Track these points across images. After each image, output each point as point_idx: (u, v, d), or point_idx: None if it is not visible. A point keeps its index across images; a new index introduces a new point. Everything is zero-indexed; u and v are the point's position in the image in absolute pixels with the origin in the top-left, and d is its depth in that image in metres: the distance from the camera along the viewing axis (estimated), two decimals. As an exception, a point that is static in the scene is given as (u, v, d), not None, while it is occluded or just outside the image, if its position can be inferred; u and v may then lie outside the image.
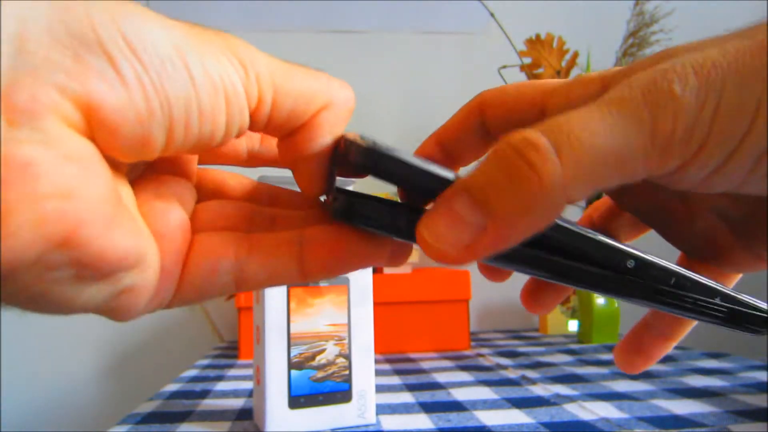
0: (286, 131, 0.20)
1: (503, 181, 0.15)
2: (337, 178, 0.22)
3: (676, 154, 0.16)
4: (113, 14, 0.15)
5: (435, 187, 0.17)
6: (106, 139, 0.15)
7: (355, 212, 0.19)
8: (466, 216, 0.16)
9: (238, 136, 0.18)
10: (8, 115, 0.13)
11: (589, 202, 0.71)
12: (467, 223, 0.16)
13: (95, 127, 0.15)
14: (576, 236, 0.18)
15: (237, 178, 0.24)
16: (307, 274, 0.19)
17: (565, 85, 0.22)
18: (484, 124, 0.24)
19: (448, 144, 0.25)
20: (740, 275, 0.25)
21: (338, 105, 0.21)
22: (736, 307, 0.20)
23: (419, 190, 0.18)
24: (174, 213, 0.18)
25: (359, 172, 0.21)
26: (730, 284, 0.24)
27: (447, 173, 0.17)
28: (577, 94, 0.21)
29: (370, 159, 0.18)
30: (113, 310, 0.17)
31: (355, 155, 0.18)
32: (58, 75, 0.14)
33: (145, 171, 0.20)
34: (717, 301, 0.19)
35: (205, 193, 0.22)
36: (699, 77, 0.16)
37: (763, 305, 0.20)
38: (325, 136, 0.21)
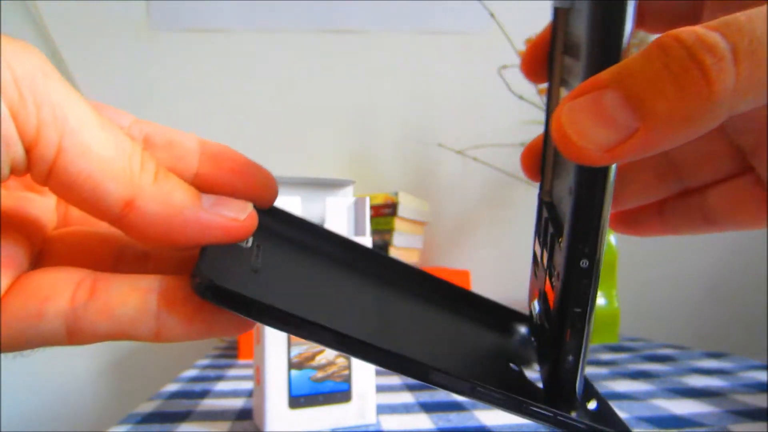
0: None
1: (666, 84, 0.13)
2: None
3: None
4: None
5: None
6: None
7: (219, 300, 0.15)
8: (616, 115, 0.14)
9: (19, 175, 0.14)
10: None
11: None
12: (616, 122, 0.14)
13: None
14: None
15: None
16: (161, 336, 0.16)
17: None
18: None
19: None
20: None
21: (148, 207, 0.15)
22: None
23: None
24: None
25: None
26: None
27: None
28: None
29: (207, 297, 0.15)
30: None
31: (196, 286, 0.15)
32: None
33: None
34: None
35: (76, 217, 0.19)
36: None
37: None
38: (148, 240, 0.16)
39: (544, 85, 0.79)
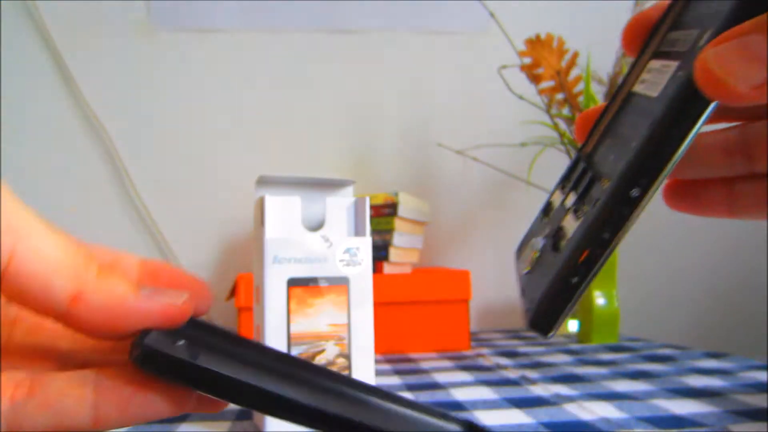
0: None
1: None
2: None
3: None
4: None
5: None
6: None
7: (158, 366, 0.17)
8: (764, 55, 0.15)
9: None
10: None
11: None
12: (764, 62, 0.15)
13: None
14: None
15: None
16: (100, 423, 0.17)
17: None
18: None
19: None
20: None
21: (93, 298, 0.16)
22: None
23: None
24: None
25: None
26: None
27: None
28: None
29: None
30: None
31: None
32: None
33: None
34: None
35: (27, 318, 0.20)
36: None
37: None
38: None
39: (544, 85, 0.79)
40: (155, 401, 0.17)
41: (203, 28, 1.00)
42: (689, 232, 1.07)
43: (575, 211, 0.20)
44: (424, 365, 0.64)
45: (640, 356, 0.68)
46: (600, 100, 0.82)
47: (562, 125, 0.82)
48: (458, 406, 0.46)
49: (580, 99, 0.78)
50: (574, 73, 0.80)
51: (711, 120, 0.19)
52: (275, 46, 1.02)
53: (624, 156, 0.18)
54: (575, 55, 0.77)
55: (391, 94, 1.04)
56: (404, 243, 0.81)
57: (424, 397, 0.49)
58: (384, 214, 0.80)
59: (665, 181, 0.20)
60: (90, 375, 0.17)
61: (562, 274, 0.19)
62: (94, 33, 0.98)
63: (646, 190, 0.18)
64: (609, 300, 0.78)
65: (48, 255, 0.16)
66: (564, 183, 0.23)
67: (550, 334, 0.20)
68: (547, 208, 0.24)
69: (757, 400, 0.46)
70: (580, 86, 0.78)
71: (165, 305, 0.17)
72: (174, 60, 1.00)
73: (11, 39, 0.96)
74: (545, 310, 0.19)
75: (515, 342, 0.82)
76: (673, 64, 0.18)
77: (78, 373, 0.17)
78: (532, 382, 0.55)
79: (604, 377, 0.56)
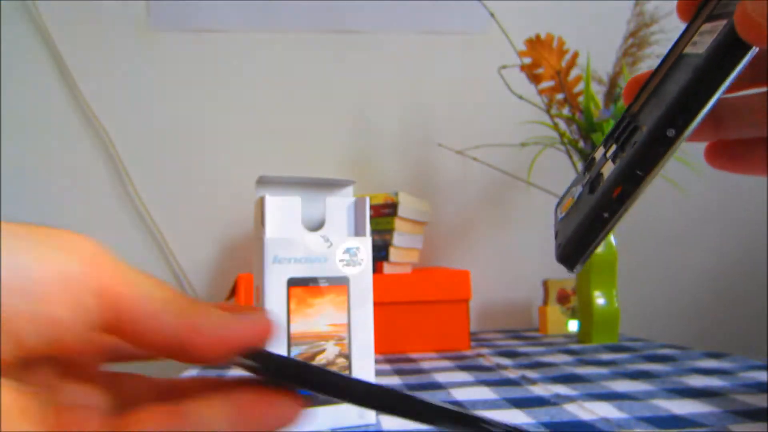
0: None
1: None
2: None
3: None
4: None
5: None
6: None
7: (281, 372, 0.19)
8: None
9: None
10: None
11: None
12: None
13: None
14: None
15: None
16: None
17: None
18: None
19: None
20: None
21: (208, 330, 0.19)
22: None
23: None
24: None
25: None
26: None
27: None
28: None
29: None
30: None
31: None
32: None
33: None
34: None
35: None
36: None
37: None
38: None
39: (544, 85, 0.79)
40: (283, 406, 0.19)
41: (203, 28, 1.00)
42: (689, 233, 1.07)
43: (614, 159, 0.22)
44: (424, 365, 0.64)
45: (640, 356, 0.68)
46: (600, 100, 0.82)
47: (562, 125, 0.82)
48: (458, 405, 0.46)
49: (580, 99, 0.78)
50: (574, 73, 0.80)
51: (753, 84, 0.20)
52: (275, 46, 1.02)
53: (664, 101, 0.20)
54: (575, 55, 0.77)
55: (391, 94, 1.04)
56: (404, 243, 0.81)
57: (423, 397, 0.49)
58: (384, 214, 0.80)
59: (707, 139, 0.21)
60: (227, 396, 0.19)
61: (595, 209, 0.21)
62: (94, 33, 0.98)
63: (681, 130, 0.19)
64: (609, 300, 0.78)
65: (158, 296, 0.18)
66: (607, 140, 0.24)
67: (576, 267, 0.21)
68: (589, 163, 0.25)
69: (757, 400, 0.46)
70: (580, 86, 0.78)
71: (256, 322, 0.20)
72: (174, 60, 1.00)
73: (11, 39, 0.96)
74: (575, 244, 0.21)
75: (515, 342, 0.82)
76: (722, 24, 0.19)
77: (215, 397, 0.19)
78: (532, 382, 0.55)
79: (604, 377, 0.56)
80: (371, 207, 0.80)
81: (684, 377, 0.56)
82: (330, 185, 0.45)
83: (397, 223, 0.79)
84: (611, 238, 0.78)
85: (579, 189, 0.24)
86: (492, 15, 0.81)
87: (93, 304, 0.17)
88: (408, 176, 1.02)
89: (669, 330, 1.04)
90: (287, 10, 1.01)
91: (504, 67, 0.82)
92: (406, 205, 0.81)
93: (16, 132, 0.96)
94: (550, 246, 1.17)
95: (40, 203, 0.95)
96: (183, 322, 0.18)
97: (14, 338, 0.16)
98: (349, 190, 0.46)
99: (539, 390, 0.51)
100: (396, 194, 0.80)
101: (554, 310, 0.89)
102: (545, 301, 0.90)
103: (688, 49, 0.22)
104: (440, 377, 0.57)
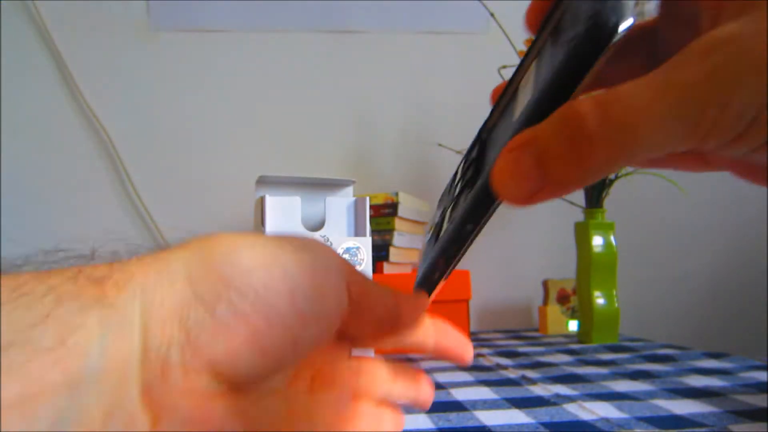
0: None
1: (560, 151, 0.17)
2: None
3: (721, 139, 0.17)
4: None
5: None
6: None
7: None
8: (530, 175, 0.18)
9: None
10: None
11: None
12: (529, 182, 0.18)
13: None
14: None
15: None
16: None
17: None
18: None
19: None
20: None
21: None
22: None
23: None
24: None
25: None
26: None
27: None
28: None
29: None
30: None
31: None
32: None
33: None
34: None
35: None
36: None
37: None
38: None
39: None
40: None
41: (203, 28, 1.00)
42: (689, 233, 1.07)
43: (459, 195, 0.24)
44: (424, 365, 0.64)
45: (640, 356, 0.68)
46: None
47: (562, 125, 0.81)
48: (458, 405, 0.46)
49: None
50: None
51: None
52: (275, 46, 1.02)
53: (499, 143, 0.21)
54: (575, 55, 0.77)
55: (391, 94, 1.04)
56: (404, 243, 0.81)
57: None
58: (384, 214, 0.80)
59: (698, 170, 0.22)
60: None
61: (438, 255, 0.25)
62: (94, 33, 0.98)
63: (478, 225, 0.22)
64: (609, 300, 0.78)
65: (379, 290, 0.23)
66: (468, 154, 0.27)
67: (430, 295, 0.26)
68: (454, 178, 0.28)
69: (757, 400, 0.46)
70: (580, 86, 0.78)
71: (423, 296, 0.26)
72: (174, 60, 1.00)
73: (11, 39, 0.96)
74: (426, 278, 0.25)
75: (515, 342, 0.82)
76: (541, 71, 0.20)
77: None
78: (532, 382, 0.55)
79: (604, 377, 0.56)
80: (371, 207, 0.80)
81: (684, 377, 0.56)
82: (330, 185, 0.45)
83: (397, 223, 0.79)
84: (611, 238, 0.78)
85: (436, 218, 0.27)
86: (492, 15, 0.81)
87: (345, 289, 0.21)
88: (408, 176, 1.02)
89: (669, 330, 1.04)
90: (287, 10, 1.01)
91: (504, 67, 0.82)
92: (406, 205, 0.81)
93: (16, 132, 0.96)
94: (550, 246, 1.17)
95: (41, 203, 0.95)
96: (395, 294, 0.23)
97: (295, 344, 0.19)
98: (349, 190, 0.46)
99: (539, 390, 0.51)
100: (396, 194, 0.80)
101: (554, 310, 0.89)
102: (545, 301, 0.90)
103: (523, 82, 0.22)
104: (440, 377, 0.57)
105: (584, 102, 0.17)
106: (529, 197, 0.18)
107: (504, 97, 0.25)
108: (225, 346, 0.17)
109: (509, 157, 0.18)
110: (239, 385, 0.18)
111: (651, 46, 0.23)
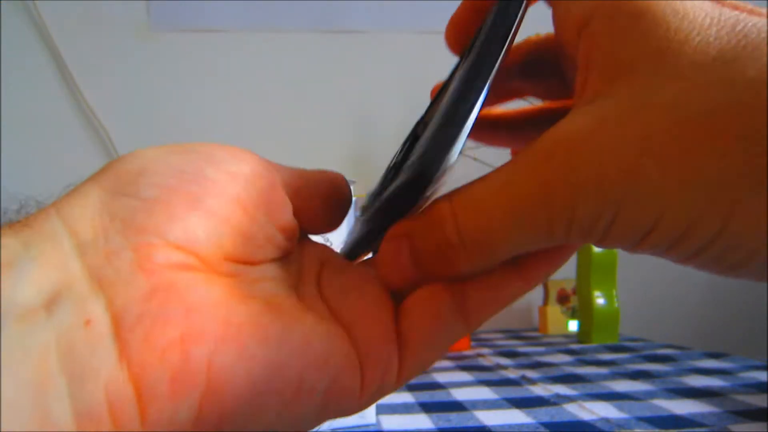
0: None
1: (430, 251, 0.18)
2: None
3: (615, 243, 0.16)
4: None
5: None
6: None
7: None
8: (407, 266, 0.19)
9: None
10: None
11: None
12: (408, 270, 0.19)
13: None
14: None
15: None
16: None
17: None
18: None
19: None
20: None
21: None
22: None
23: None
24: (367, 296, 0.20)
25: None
26: None
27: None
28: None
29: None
30: (330, 414, 0.18)
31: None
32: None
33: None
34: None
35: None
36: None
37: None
38: None
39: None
40: None
41: (203, 28, 1.00)
42: (689, 232, 1.07)
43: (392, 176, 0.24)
44: (424, 365, 0.64)
45: (640, 356, 0.68)
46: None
47: (562, 125, 0.81)
48: (458, 406, 0.46)
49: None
50: (574, 73, 0.80)
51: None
52: (275, 46, 1.02)
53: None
54: (575, 55, 0.77)
55: (391, 94, 1.04)
56: (404, 243, 0.81)
57: (424, 397, 0.49)
58: (384, 214, 0.80)
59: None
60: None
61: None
62: (94, 33, 0.98)
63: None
64: (609, 300, 0.78)
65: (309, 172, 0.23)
66: (405, 142, 0.27)
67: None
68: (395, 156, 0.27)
69: (757, 400, 0.46)
70: (580, 86, 0.78)
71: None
72: (174, 60, 1.00)
73: (11, 39, 0.96)
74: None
75: (515, 342, 0.82)
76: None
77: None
78: (532, 382, 0.55)
79: (604, 377, 0.56)
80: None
81: (684, 377, 0.56)
82: (330, 185, 0.45)
83: (397, 223, 0.79)
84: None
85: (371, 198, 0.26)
86: (492, 15, 0.81)
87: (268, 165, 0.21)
88: (408, 176, 1.02)
89: (669, 330, 1.04)
90: (287, 10, 1.01)
91: (504, 67, 0.82)
92: (406, 205, 0.81)
93: (16, 132, 0.96)
94: (550, 246, 1.16)
95: (40, 203, 0.95)
96: (321, 172, 0.24)
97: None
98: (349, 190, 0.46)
99: (539, 390, 0.51)
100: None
101: (554, 310, 0.89)
102: (545, 301, 0.90)
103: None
104: (440, 377, 0.57)
105: (443, 206, 0.18)
106: (412, 285, 0.19)
107: (441, 92, 0.24)
108: (167, 216, 0.16)
109: (389, 247, 0.19)
110: (214, 260, 0.17)
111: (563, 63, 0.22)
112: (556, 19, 0.19)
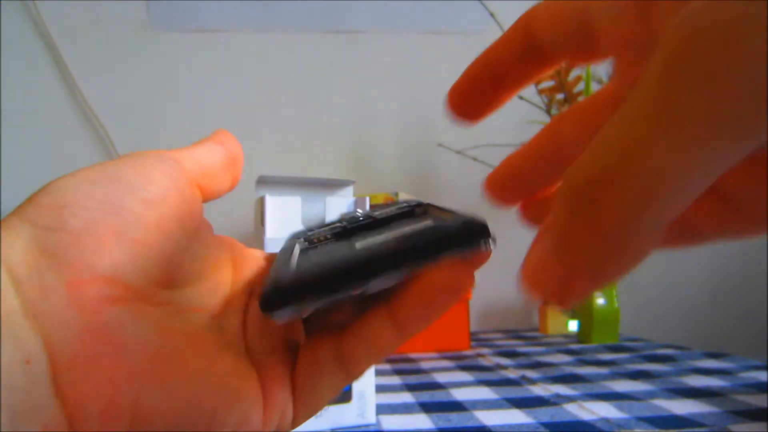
0: None
1: (578, 233, 0.14)
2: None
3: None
4: None
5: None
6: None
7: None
8: (556, 272, 0.15)
9: None
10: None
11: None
12: (558, 277, 0.15)
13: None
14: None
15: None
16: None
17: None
18: (532, 39, 0.20)
19: (496, 61, 0.22)
20: None
21: None
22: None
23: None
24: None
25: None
26: None
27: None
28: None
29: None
30: None
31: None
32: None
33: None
34: None
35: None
36: None
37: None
38: None
39: (544, 85, 0.79)
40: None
41: (203, 28, 1.00)
42: (689, 232, 1.07)
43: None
44: (424, 365, 0.64)
45: (640, 356, 0.68)
46: (600, 100, 0.82)
47: (562, 125, 0.81)
48: (458, 405, 0.46)
49: (580, 99, 0.78)
50: (574, 73, 0.80)
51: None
52: (275, 46, 1.02)
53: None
54: (575, 55, 0.77)
55: (391, 94, 1.04)
56: (404, 243, 0.81)
57: (424, 397, 0.49)
58: (384, 214, 0.80)
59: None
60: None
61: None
62: (94, 33, 0.98)
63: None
64: (609, 300, 0.78)
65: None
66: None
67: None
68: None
69: (757, 400, 0.46)
70: (581, 86, 0.78)
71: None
72: (173, 59, 1.00)
73: (11, 39, 0.96)
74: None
75: (515, 342, 0.82)
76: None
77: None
78: (532, 382, 0.55)
79: (604, 377, 0.56)
80: (371, 207, 0.80)
81: (684, 377, 0.56)
82: (330, 185, 0.45)
83: (397, 223, 0.79)
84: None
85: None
86: (492, 15, 0.81)
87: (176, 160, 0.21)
88: (408, 176, 1.02)
89: (669, 330, 1.04)
90: (287, 10, 1.01)
91: (504, 67, 0.82)
92: (406, 205, 0.81)
93: (16, 132, 0.96)
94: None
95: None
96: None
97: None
98: (349, 190, 0.46)
99: (539, 390, 0.51)
100: (396, 194, 0.80)
101: (554, 310, 0.89)
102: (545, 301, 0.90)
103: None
104: (440, 377, 0.57)
105: (577, 171, 0.14)
106: (566, 297, 0.15)
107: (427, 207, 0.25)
108: (94, 249, 0.17)
109: (533, 260, 0.16)
110: (142, 288, 0.17)
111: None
112: None
